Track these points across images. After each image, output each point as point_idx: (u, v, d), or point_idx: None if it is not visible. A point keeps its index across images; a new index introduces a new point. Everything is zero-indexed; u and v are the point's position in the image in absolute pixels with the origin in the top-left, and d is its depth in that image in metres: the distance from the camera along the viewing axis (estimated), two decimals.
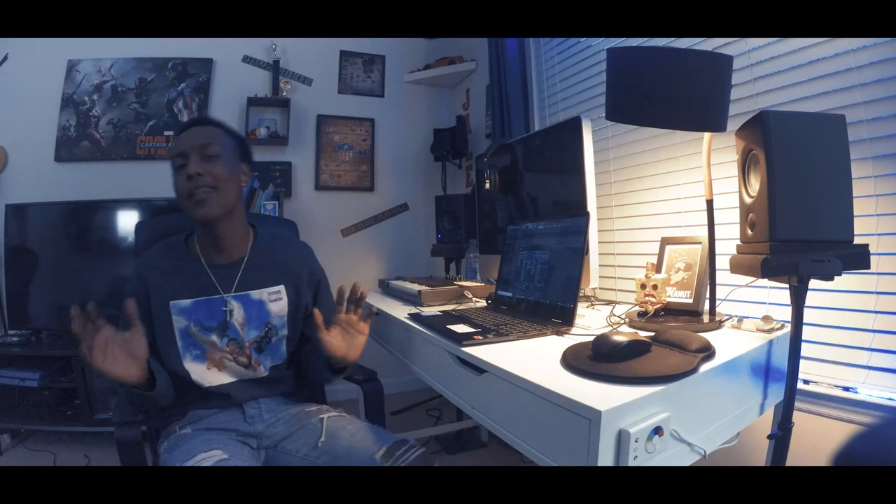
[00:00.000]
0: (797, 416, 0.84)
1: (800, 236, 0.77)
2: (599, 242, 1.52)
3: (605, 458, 0.58)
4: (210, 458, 0.87)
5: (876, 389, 0.97)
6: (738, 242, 0.90)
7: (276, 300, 1.08)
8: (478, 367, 0.84)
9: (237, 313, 1.04)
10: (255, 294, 1.06)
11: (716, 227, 1.03)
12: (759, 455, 0.98)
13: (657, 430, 0.61)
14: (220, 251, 1.04)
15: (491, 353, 0.84)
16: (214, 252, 1.04)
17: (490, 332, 0.96)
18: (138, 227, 1.24)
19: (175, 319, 1.00)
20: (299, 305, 1.11)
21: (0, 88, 2.27)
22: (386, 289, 1.80)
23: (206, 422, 1.01)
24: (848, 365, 1.02)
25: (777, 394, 0.91)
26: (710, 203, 1.02)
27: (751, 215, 0.84)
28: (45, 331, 2.22)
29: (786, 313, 0.85)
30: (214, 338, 1.02)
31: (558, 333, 0.97)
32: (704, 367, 0.72)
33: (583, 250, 1.05)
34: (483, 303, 1.38)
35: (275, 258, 1.10)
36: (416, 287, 1.51)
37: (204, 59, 2.54)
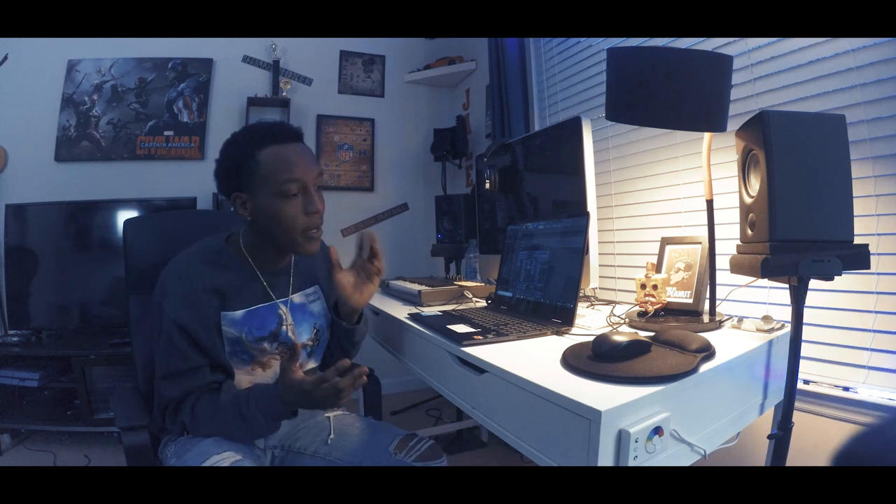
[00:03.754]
0: (797, 416, 0.84)
1: (800, 236, 0.77)
2: (599, 242, 1.53)
3: (605, 458, 0.58)
4: (225, 459, 0.84)
5: (876, 389, 0.97)
6: (738, 242, 0.90)
7: (315, 300, 1.08)
8: (478, 367, 0.84)
9: (287, 319, 1.01)
10: (297, 298, 1.04)
11: (716, 227, 1.03)
12: (759, 455, 0.98)
13: (657, 430, 0.61)
14: (273, 263, 1.00)
15: (491, 353, 0.84)
16: (266, 262, 0.99)
17: (490, 332, 0.96)
18: (127, 224, 1.16)
19: (225, 331, 0.93)
20: (331, 300, 1.11)
21: (0, 88, 2.27)
22: (386, 289, 1.80)
23: None
24: (848, 365, 1.02)
25: (777, 394, 0.91)
26: (710, 203, 1.02)
27: (751, 215, 0.84)
28: (45, 331, 2.22)
29: (786, 313, 0.85)
30: (265, 345, 0.98)
31: (558, 333, 0.97)
32: (704, 367, 0.72)
33: (583, 250, 1.05)
34: (483, 303, 1.38)
35: (308, 261, 1.07)
36: (416, 287, 1.51)
37: (204, 59, 2.54)
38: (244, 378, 0.99)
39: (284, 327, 1.00)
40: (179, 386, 0.91)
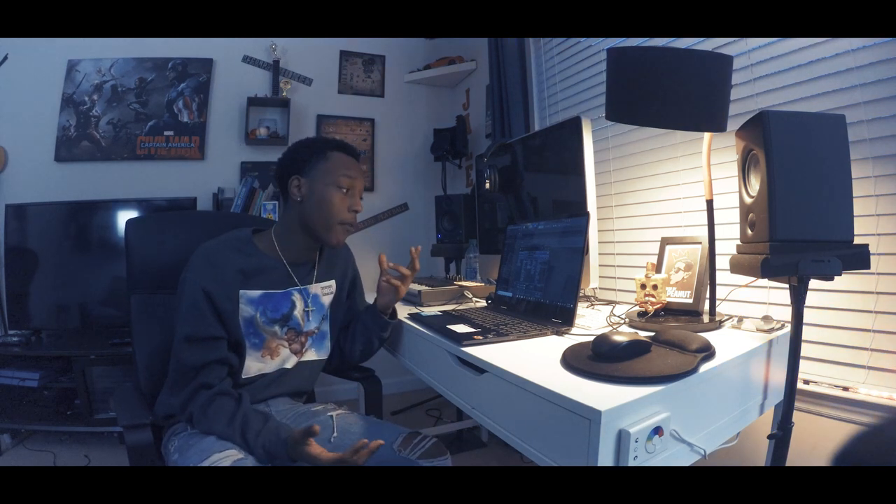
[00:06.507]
0: (797, 416, 0.84)
1: (800, 236, 0.77)
2: (599, 242, 1.53)
3: (605, 458, 0.58)
4: (227, 458, 0.86)
5: (876, 389, 0.97)
6: (738, 242, 0.90)
7: (328, 294, 1.18)
8: (478, 367, 0.84)
9: (299, 306, 1.10)
10: (312, 288, 1.13)
11: (716, 227, 1.03)
12: (759, 455, 0.98)
13: (657, 430, 0.61)
14: (298, 255, 1.11)
15: (491, 353, 0.84)
16: (293, 254, 1.10)
17: (490, 332, 0.96)
18: (129, 224, 1.18)
19: (242, 308, 1.02)
20: (341, 300, 1.21)
21: (0, 88, 2.27)
22: None
23: None
24: (848, 365, 1.02)
25: (777, 394, 0.91)
26: (710, 203, 1.02)
27: (751, 215, 0.84)
28: (45, 331, 2.22)
29: (786, 313, 0.85)
30: (276, 328, 1.07)
31: (558, 333, 0.97)
32: (704, 367, 0.72)
33: (583, 250, 1.05)
34: (483, 303, 1.38)
35: (330, 257, 1.19)
36: (416, 287, 1.51)
37: (204, 59, 2.54)
38: (254, 364, 1.04)
39: (296, 313, 1.09)
40: (200, 353, 0.96)
